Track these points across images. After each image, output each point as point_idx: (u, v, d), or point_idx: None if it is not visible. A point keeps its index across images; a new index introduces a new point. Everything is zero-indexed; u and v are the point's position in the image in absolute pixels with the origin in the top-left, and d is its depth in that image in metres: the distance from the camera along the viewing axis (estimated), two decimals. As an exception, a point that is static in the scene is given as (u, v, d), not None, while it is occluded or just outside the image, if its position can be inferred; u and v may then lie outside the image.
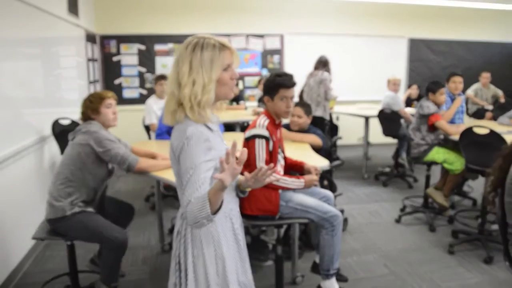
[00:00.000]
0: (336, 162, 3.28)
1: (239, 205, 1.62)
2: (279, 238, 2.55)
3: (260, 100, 6.00)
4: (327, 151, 3.36)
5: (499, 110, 5.68)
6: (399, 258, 3.24)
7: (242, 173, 1.40)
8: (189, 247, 1.43)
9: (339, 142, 6.16)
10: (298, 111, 3.36)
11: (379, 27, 7.32)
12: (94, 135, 2.41)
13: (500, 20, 7.83)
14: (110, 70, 6.47)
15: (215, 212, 1.28)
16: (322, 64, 5.06)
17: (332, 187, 3.57)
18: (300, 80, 5.23)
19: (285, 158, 2.60)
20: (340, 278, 2.73)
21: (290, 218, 2.43)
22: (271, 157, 2.35)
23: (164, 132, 3.65)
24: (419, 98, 6.34)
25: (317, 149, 3.19)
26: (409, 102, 6.40)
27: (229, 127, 5.08)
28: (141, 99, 6.48)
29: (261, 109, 4.94)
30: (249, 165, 2.28)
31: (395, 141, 5.51)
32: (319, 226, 2.44)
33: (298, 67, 6.20)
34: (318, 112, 4.94)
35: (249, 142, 2.32)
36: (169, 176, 2.43)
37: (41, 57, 3.79)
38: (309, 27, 7.05)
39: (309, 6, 7.00)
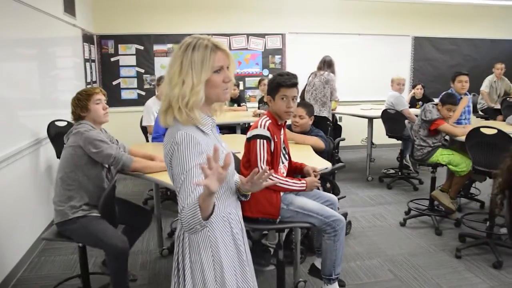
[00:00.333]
0: (339, 165, 3.20)
1: (240, 208, 1.58)
2: (279, 243, 2.48)
3: (260, 102, 5.94)
4: (329, 153, 3.29)
5: (507, 109, 5.59)
6: (404, 262, 3.18)
7: (244, 175, 1.36)
8: (187, 252, 1.41)
9: (342, 144, 6.08)
10: (300, 111, 3.30)
11: (382, 25, 7.24)
12: (84, 136, 2.36)
13: (507, 16, 7.74)
14: (108, 71, 6.41)
15: (207, 217, 1.24)
16: (327, 64, 5.05)
17: (334, 190, 3.51)
18: (302, 80, 5.22)
19: (289, 159, 2.54)
20: (339, 283, 2.66)
21: (291, 222, 2.37)
22: (273, 158, 2.30)
23: (161, 135, 3.58)
24: (423, 98, 6.26)
25: (320, 151, 3.13)
26: (413, 102, 6.31)
27: (230, 128, 5.04)
28: (140, 101, 6.45)
29: (262, 111, 4.89)
30: (250, 166, 2.26)
31: (399, 142, 5.43)
32: (321, 230, 2.39)
33: (300, 67, 6.13)
34: (324, 113, 4.91)
35: (250, 143, 2.29)
36: (165, 178, 2.37)
37: (37, 57, 3.75)
38: (311, 26, 6.98)
39: (311, 4, 6.94)
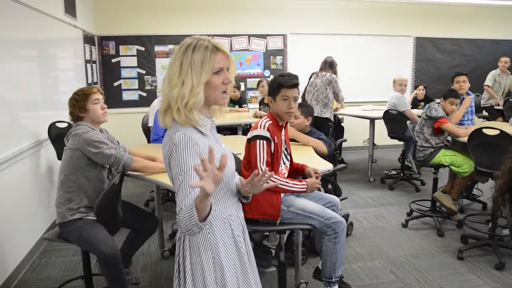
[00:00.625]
0: (340, 166, 3.18)
1: (242, 209, 1.58)
2: (280, 244, 2.47)
3: (261, 103, 5.93)
4: (330, 154, 3.28)
5: (509, 110, 5.57)
6: (406, 264, 3.16)
7: (245, 176, 1.35)
8: (188, 253, 1.40)
9: (343, 144, 6.08)
10: (295, 111, 3.27)
11: (384, 26, 7.23)
12: (82, 138, 2.34)
13: (508, 16, 7.71)
14: (109, 72, 6.41)
15: (204, 218, 1.23)
16: (329, 65, 5.03)
17: (336, 191, 3.50)
18: (304, 80, 5.21)
19: (291, 160, 2.54)
20: (343, 286, 2.66)
21: (291, 224, 2.36)
22: (273, 159, 2.30)
23: (161, 137, 3.58)
24: (425, 98, 6.24)
25: (322, 155, 3.11)
26: (415, 103, 6.29)
27: (231, 129, 5.03)
28: (141, 102, 6.46)
29: (263, 112, 4.88)
30: (251, 167, 2.26)
31: (401, 143, 5.41)
32: (322, 232, 2.38)
33: (302, 67, 6.14)
34: (326, 114, 4.89)
35: (250, 144, 2.29)
36: (166, 180, 2.35)
37: (37, 59, 3.75)
38: (312, 26, 6.97)
39: (312, 5, 6.93)
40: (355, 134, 6.75)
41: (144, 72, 6.50)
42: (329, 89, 4.90)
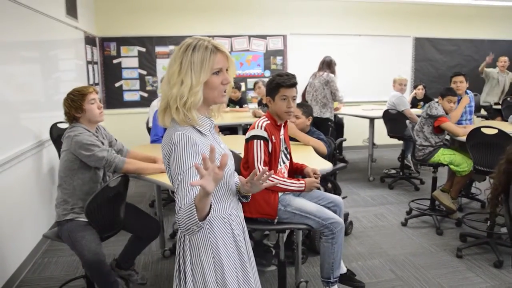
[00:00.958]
0: (340, 165, 3.20)
1: (242, 209, 1.58)
2: (277, 243, 2.49)
3: (260, 104, 5.95)
4: (330, 154, 3.29)
5: (507, 109, 5.58)
6: (405, 262, 3.18)
7: (244, 176, 1.37)
8: (188, 253, 1.41)
9: (344, 144, 6.10)
10: (296, 111, 3.30)
11: (384, 26, 7.24)
12: (74, 141, 2.32)
13: (507, 17, 7.72)
14: (110, 73, 6.43)
15: (203, 218, 1.24)
16: (326, 64, 4.99)
17: (336, 190, 3.51)
18: (304, 80, 5.23)
19: (290, 159, 2.55)
20: (356, 284, 2.64)
21: (289, 224, 2.36)
22: (271, 158, 2.31)
23: (160, 138, 3.60)
24: (425, 98, 6.26)
25: (321, 155, 3.13)
26: (415, 103, 6.31)
27: (231, 129, 5.05)
28: (142, 102, 6.48)
29: (262, 112, 4.89)
30: (249, 167, 2.27)
31: (401, 142, 5.43)
32: (319, 232, 2.37)
33: (302, 67, 6.14)
34: (326, 114, 4.88)
35: (248, 144, 2.30)
36: (166, 180, 2.36)
37: (39, 60, 3.76)
38: (312, 27, 6.98)
39: (312, 6, 6.94)
40: (355, 134, 6.78)
41: (145, 72, 6.52)
42: (326, 89, 4.89)
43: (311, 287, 2.83)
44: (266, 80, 2.69)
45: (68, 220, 2.35)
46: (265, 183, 1.40)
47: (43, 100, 3.79)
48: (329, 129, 4.59)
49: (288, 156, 2.52)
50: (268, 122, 2.32)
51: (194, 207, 1.20)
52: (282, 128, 2.44)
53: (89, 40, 5.66)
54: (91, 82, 5.60)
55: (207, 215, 1.23)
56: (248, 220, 2.26)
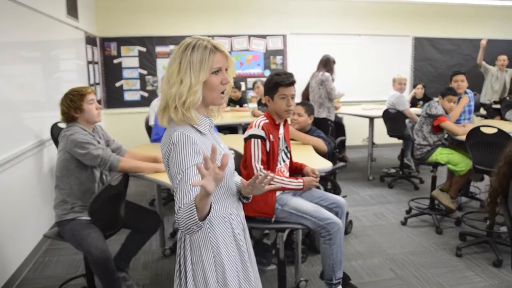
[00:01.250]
0: (339, 164, 3.21)
1: (242, 208, 1.58)
2: (275, 242, 2.49)
3: (259, 103, 5.95)
4: (330, 153, 3.31)
5: (506, 108, 5.58)
6: (405, 261, 3.18)
7: (243, 175, 1.37)
8: (188, 253, 1.41)
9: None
10: (299, 109, 3.32)
11: (383, 26, 7.24)
12: (69, 140, 2.33)
13: (506, 17, 7.72)
14: (111, 72, 6.43)
15: (203, 218, 1.24)
16: (323, 64, 4.96)
17: (336, 189, 3.51)
18: (303, 80, 5.24)
19: (290, 158, 2.55)
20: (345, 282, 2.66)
21: (285, 223, 2.36)
22: (269, 158, 2.31)
23: (161, 137, 3.60)
24: (424, 97, 6.26)
25: (322, 154, 3.14)
26: (414, 102, 6.31)
27: (231, 129, 5.06)
28: (143, 102, 6.48)
29: (261, 112, 4.89)
30: (247, 166, 2.27)
31: (400, 141, 5.43)
32: (317, 233, 2.36)
33: (302, 67, 6.15)
34: (322, 114, 4.86)
35: (246, 143, 2.31)
36: (165, 179, 2.37)
37: (40, 60, 3.77)
38: (312, 26, 6.99)
39: (312, 5, 6.94)
40: (354, 133, 6.79)
41: (145, 72, 6.52)
42: (322, 89, 4.86)
43: (311, 286, 2.83)
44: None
45: (69, 219, 2.35)
46: (267, 186, 1.39)
47: (43, 100, 3.79)
48: (329, 129, 4.60)
49: (289, 155, 2.52)
50: (266, 121, 2.33)
51: (194, 207, 1.20)
52: (281, 127, 2.45)
53: (90, 40, 5.67)
54: (91, 82, 5.61)
55: (207, 215, 1.24)
56: (245, 218, 2.28)
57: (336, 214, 2.50)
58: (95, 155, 2.35)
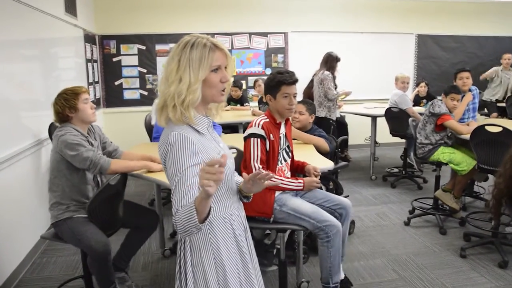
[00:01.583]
0: (341, 164, 3.17)
1: (243, 208, 1.57)
2: (273, 242, 2.47)
3: (260, 102, 5.91)
4: (331, 152, 3.27)
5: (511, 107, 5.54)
6: (408, 262, 3.15)
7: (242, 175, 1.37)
8: (189, 254, 1.39)
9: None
10: (300, 108, 3.30)
11: (386, 23, 7.19)
12: (61, 139, 2.29)
13: (510, 13, 7.64)
14: (110, 71, 6.40)
15: (203, 220, 1.22)
16: (324, 62, 4.89)
17: (338, 189, 3.49)
18: (305, 78, 5.19)
19: (292, 157, 2.53)
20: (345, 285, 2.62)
21: (284, 224, 2.33)
22: (269, 157, 2.29)
23: None
24: (427, 96, 6.21)
25: (324, 153, 3.11)
26: (417, 100, 6.26)
27: (232, 128, 5.02)
28: (142, 101, 6.46)
29: (261, 112, 4.85)
30: (247, 166, 2.26)
31: (403, 141, 5.38)
32: (315, 235, 2.34)
33: (303, 65, 6.12)
34: (322, 113, 4.79)
35: (245, 142, 2.30)
36: (165, 179, 2.33)
37: (38, 58, 3.74)
38: (313, 24, 6.94)
39: (313, 3, 6.90)
40: (356, 132, 6.73)
41: (145, 71, 6.49)
42: (321, 88, 4.81)
43: (312, 287, 2.79)
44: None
45: (66, 218, 2.33)
46: (266, 182, 1.38)
47: (42, 99, 3.76)
48: (331, 127, 4.55)
49: (290, 154, 2.50)
50: (267, 120, 2.31)
51: (194, 209, 1.19)
52: (282, 126, 2.43)
53: (89, 38, 5.63)
54: (90, 80, 5.59)
55: (207, 217, 1.22)
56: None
57: (340, 215, 2.46)
58: (84, 157, 2.29)
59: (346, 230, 2.56)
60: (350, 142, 6.38)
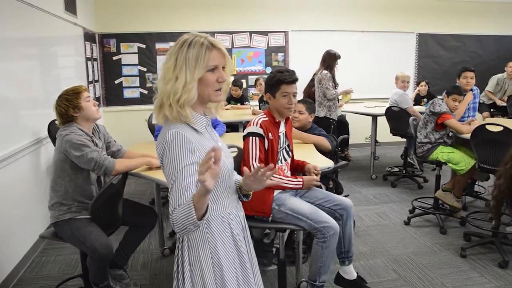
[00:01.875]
0: (341, 163, 3.16)
1: (242, 208, 1.56)
2: (272, 241, 2.46)
3: (261, 101, 5.89)
4: (331, 151, 3.26)
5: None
6: (408, 262, 3.14)
7: (242, 174, 1.36)
8: (186, 254, 1.39)
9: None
10: (300, 107, 3.29)
11: (386, 22, 7.16)
12: (65, 139, 2.27)
13: (512, 13, 7.63)
14: (110, 69, 6.38)
15: (201, 217, 1.22)
16: (322, 61, 4.84)
17: (338, 188, 3.48)
18: (305, 77, 5.18)
19: (292, 156, 2.52)
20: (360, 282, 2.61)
21: (282, 223, 2.33)
22: (268, 156, 2.28)
23: None
24: (428, 95, 6.19)
25: (326, 152, 3.11)
26: (418, 99, 6.24)
27: (232, 127, 5.01)
28: (142, 99, 6.46)
29: (261, 111, 4.82)
30: (246, 165, 2.25)
31: (403, 140, 5.37)
32: (313, 234, 2.34)
33: (303, 64, 6.10)
34: (321, 113, 4.76)
35: (244, 141, 2.30)
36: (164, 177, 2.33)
37: (38, 57, 3.73)
38: (314, 23, 6.91)
39: (314, 2, 6.88)
40: (357, 131, 6.72)
41: (145, 69, 6.48)
42: (319, 88, 4.80)
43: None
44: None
45: (67, 219, 2.31)
46: (268, 181, 1.38)
47: (41, 97, 3.75)
48: (331, 127, 4.54)
49: (290, 153, 2.49)
50: (266, 119, 2.31)
51: (193, 206, 1.19)
52: (282, 125, 2.42)
53: (89, 37, 5.62)
54: (90, 79, 5.58)
55: (205, 214, 1.22)
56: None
57: (341, 216, 2.45)
58: (89, 158, 2.27)
59: (351, 230, 2.56)
60: (350, 141, 6.36)
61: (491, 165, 3.29)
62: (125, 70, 6.42)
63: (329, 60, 4.78)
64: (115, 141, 2.69)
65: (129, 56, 6.39)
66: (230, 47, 6.65)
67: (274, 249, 3.09)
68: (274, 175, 2.23)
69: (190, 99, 1.33)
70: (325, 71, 4.74)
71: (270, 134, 2.27)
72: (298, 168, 2.53)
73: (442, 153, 3.76)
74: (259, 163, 2.22)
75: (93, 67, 5.79)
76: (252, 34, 6.77)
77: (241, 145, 2.41)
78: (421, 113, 4.77)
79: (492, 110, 6.20)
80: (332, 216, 2.38)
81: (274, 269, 2.89)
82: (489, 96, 6.32)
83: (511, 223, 3.47)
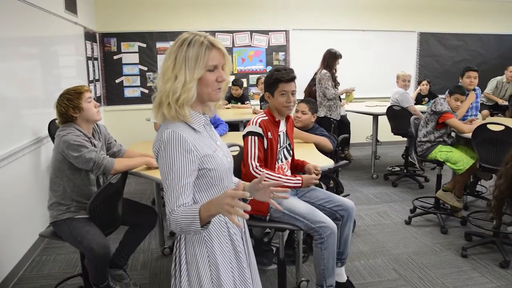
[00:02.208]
0: (342, 162, 3.15)
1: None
2: (270, 240, 2.46)
3: (262, 100, 5.89)
4: (332, 151, 3.26)
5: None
6: (409, 261, 3.13)
7: (242, 171, 1.37)
8: (183, 252, 1.40)
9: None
10: (303, 107, 3.28)
11: (388, 21, 7.15)
12: (63, 140, 2.26)
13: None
14: (111, 69, 6.39)
15: (204, 225, 1.24)
16: (322, 60, 4.83)
17: (338, 188, 3.47)
18: (306, 76, 5.16)
19: (293, 155, 2.52)
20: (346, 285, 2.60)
21: (278, 223, 2.32)
22: (267, 155, 2.28)
23: None
24: (429, 94, 6.17)
25: (327, 152, 3.11)
26: (419, 98, 6.22)
27: (232, 126, 5.00)
28: (143, 99, 6.45)
29: (261, 111, 4.81)
30: (245, 164, 2.26)
31: (405, 139, 5.36)
32: (310, 235, 2.33)
33: (304, 63, 6.09)
34: (321, 113, 4.74)
35: (244, 140, 2.30)
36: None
37: (39, 56, 3.73)
38: (315, 22, 6.90)
39: (315, 0, 6.87)
40: (358, 130, 6.70)
41: (146, 69, 6.47)
42: (319, 88, 4.78)
43: (312, 286, 2.78)
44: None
45: (65, 219, 2.31)
46: (265, 183, 1.40)
47: (42, 97, 3.75)
48: (331, 127, 4.53)
49: (291, 152, 2.48)
50: (265, 118, 2.31)
51: (198, 216, 1.21)
52: (282, 124, 2.41)
53: (89, 36, 5.62)
54: (91, 78, 5.58)
55: (208, 223, 1.25)
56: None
57: (342, 217, 2.44)
58: (87, 159, 2.26)
59: (350, 232, 2.54)
60: (351, 141, 6.36)
61: (492, 164, 3.28)
62: (126, 70, 6.42)
63: (330, 59, 4.76)
64: (115, 141, 2.68)
65: (129, 55, 6.39)
66: (231, 46, 6.64)
67: (274, 249, 3.09)
68: (273, 174, 2.24)
69: (189, 98, 1.33)
70: (324, 71, 4.73)
71: (269, 133, 2.27)
72: (298, 168, 2.52)
73: (440, 152, 3.75)
74: (258, 162, 2.21)
75: (93, 66, 5.79)
76: (253, 33, 6.76)
77: (241, 144, 2.41)
78: (422, 112, 4.76)
79: (491, 110, 6.18)
80: (333, 217, 2.37)
81: (274, 269, 2.90)
82: (489, 97, 6.30)
83: None
